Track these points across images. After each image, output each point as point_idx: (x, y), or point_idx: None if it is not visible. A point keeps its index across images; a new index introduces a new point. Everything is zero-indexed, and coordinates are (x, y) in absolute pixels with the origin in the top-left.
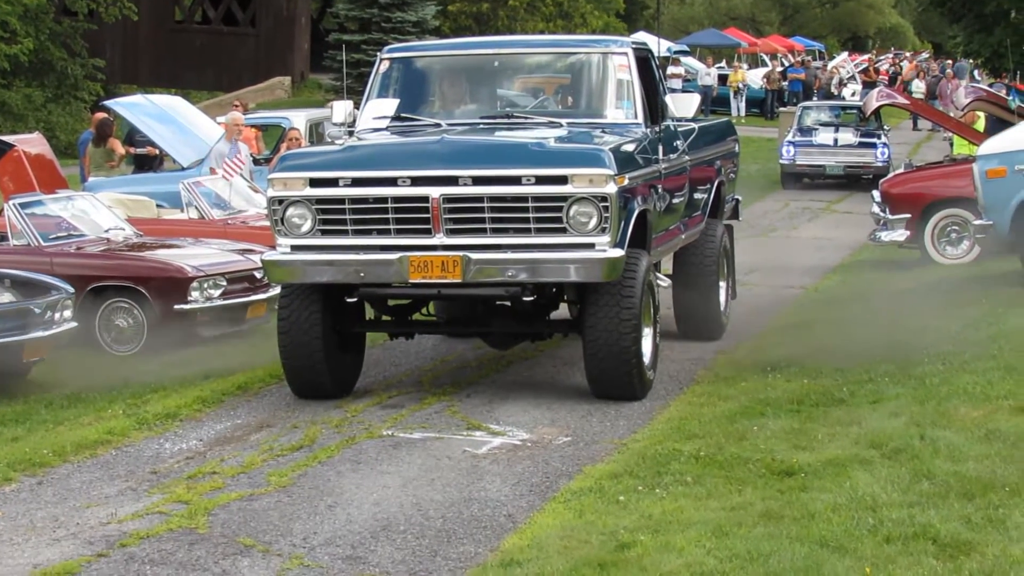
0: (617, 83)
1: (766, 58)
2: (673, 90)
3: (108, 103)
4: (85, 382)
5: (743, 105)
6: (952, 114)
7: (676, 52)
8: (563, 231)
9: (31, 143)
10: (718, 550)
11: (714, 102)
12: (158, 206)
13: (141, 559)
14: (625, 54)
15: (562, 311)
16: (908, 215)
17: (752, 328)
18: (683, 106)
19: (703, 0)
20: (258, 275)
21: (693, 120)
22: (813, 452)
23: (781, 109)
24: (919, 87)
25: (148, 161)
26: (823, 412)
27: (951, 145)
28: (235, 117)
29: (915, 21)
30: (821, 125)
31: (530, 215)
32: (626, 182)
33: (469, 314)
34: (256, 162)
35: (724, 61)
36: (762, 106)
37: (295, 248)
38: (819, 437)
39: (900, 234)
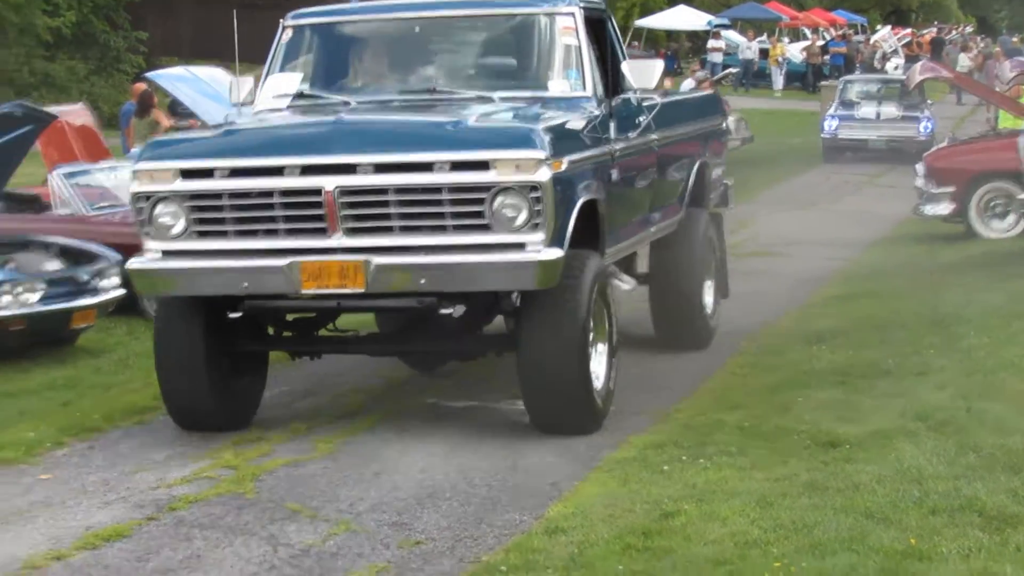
0: (562, 49)
1: (807, 32)
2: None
3: (149, 75)
4: (132, 348)
5: (782, 79)
6: (997, 88)
7: (717, 25)
8: (486, 228)
9: (75, 114)
10: (762, 520)
11: (755, 76)
12: None
13: (190, 523)
14: (572, 15)
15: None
16: (953, 188)
17: (796, 300)
18: (642, 75)
19: None
20: None
21: (676, 93)
22: (858, 424)
23: (823, 83)
24: (965, 62)
25: None
26: (868, 384)
27: (996, 120)
28: None
29: None
30: (864, 99)
31: (445, 209)
32: (564, 167)
33: (405, 328)
34: None
35: (765, 35)
36: (803, 80)
37: (166, 254)
38: (864, 409)
39: (945, 207)
